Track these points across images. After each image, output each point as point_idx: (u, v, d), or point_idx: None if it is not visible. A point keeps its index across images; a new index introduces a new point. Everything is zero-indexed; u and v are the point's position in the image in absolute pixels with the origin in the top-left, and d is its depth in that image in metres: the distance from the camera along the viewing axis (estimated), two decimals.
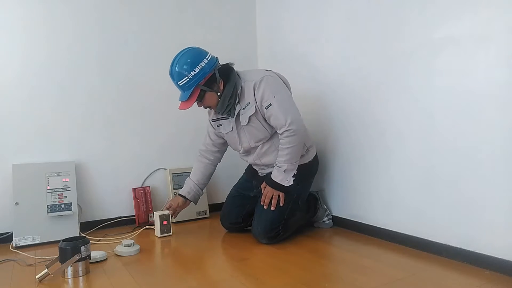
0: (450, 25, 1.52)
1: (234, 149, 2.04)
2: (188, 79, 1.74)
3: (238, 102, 1.83)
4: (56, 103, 2.11)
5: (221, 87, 1.81)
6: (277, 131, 1.80)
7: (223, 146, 2.08)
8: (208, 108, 1.90)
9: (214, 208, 2.45)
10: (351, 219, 2.02)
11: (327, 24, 2.11)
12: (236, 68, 1.89)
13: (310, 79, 2.24)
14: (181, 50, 1.80)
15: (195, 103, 1.82)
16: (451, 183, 1.54)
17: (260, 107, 1.79)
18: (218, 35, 2.53)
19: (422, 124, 1.64)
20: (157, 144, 2.39)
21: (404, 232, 1.74)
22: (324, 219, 2.09)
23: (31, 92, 2.05)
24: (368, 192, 1.91)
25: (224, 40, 2.56)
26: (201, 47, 1.84)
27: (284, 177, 1.79)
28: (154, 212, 2.01)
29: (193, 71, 1.73)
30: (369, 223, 1.92)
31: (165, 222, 1.97)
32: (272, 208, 1.81)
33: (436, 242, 1.61)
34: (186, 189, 2.05)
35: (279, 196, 1.81)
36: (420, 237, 1.67)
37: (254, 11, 2.72)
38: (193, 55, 1.77)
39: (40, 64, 2.07)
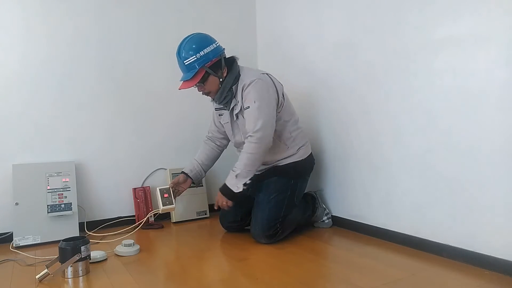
0: (450, 25, 1.52)
1: (230, 140, 2.08)
2: (195, 58, 1.78)
3: (234, 96, 1.88)
4: (56, 103, 2.11)
5: (224, 75, 1.85)
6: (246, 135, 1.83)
7: None
8: (207, 94, 1.90)
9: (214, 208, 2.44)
10: (351, 219, 2.02)
11: (327, 23, 2.11)
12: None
13: (309, 78, 2.24)
14: (190, 34, 1.85)
15: (196, 87, 1.85)
16: (451, 183, 1.54)
17: (243, 107, 1.83)
18: (218, 35, 2.50)
19: (422, 124, 1.64)
20: (157, 144, 2.39)
21: (404, 232, 1.74)
22: (323, 219, 2.09)
23: (31, 92, 2.05)
24: (368, 192, 1.91)
25: (224, 40, 2.53)
26: None
27: (235, 183, 1.80)
28: (156, 188, 1.99)
29: (201, 52, 1.78)
30: (368, 223, 1.92)
31: (166, 195, 1.95)
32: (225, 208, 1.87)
33: (436, 242, 1.61)
34: (189, 167, 2.07)
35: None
36: (420, 237, 1.67)
37: (254, 11, 2.72)
38: (202, 38, 1.83)
39: (40, 64, 2.07)
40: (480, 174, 1.45)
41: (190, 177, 2.05)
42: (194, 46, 1.79)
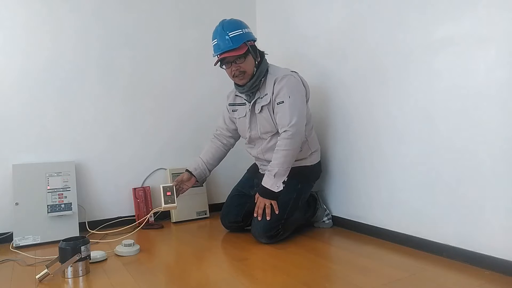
0: (450, 25, 1.52)
1: (242, 136, 2.08)
2: (241, 32, 1.81)
3: (258, 89, 1.89)
4: (56, 103, 2.11)
5: (259, 60, 1.88)
6: (278, 130, 1.82)
7: (237, 132, 2.11)
8: (240, 75, 1.85)
9: (214, 208, 2.45)
10: (351, 219, 2.02)
11: (327, 24, 2.11)
12: None
13: (309, 78, 2.23)
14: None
15: (231, 65, 1.83)
16: (451, 183, 1.54)
17: (273, 100, 1.83)
18: None
19: (422, 124, 1.64)
20: (157, 144, 2.39)
21: (404, 232, 1.74)
22: (324, 219, 2.09)
23: (31, 92, 2.05)
24: (368, 192, 1.91)
25: None
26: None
27: (274, 183, 1.80)
28: (160, 185, 2.00)
29: (246, 29, 1.84)
30: (369, 223, 1.92)
31: (168, 193, 1.95)
32: (268, 218, 1.80)
33: (436, 242, 1.61)
34: (194, 166, 2.07)
35: (272, 205, 1.82)
36: (420, 237, 1.67)
37: (254, 10, 2.73)
38: (241, 21, 1.87)
39: (41, 64, 2.07)
40: (480, 174, 1.45)
41: (194, 176, 2.05)
42: (238, 23, 1.83)
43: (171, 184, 1.99)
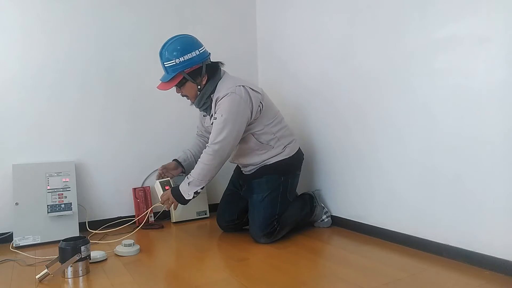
0: (450, 25, 1.52)
1: None
2: (174, 63, 1.78)
3: (210, 107, 1.89)
4: (56, 103, 2.11)
5: (203, 82, 1.85)
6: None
7: None
8: (185, 97, 1.92)
9: (214, 208, 2.43)
10: (351, 219, 2.02)
11: (327, 23, 2.11)
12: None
13: (309, 78, 2.24)
14: (178, 34, 1.84)
15: (175, 88, 1.87)
16: (451, 182, 1.54)
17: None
18: (218, 35, 2.52)
19: (422, 123, 1.64)
20: (157, 144, 2.39)
21: (404, 232, 1.74)
22: (323, 217, 2.09)
23: (31, 92, 2.05)
24: (368, 191, 1.91)
25: (224, 40, 2.55)
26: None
27: (187, 190, 1.83)
28: (155, 181, 2.02)
29: (182, 58, 1.78)
30: (368, 223, 1.92)
31: (166, 187, 1.97)
32: (174, 209, 1.93)
33: (436, 242, 1.61)
34: (183, 157, 2.11)
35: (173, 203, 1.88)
36: (420, 237, 1.67)
37: (254, 11, 2.72)
38: (187, 43, 1.82)
39: (39, 64, 2.07)
40: (480, 174, 1.45)
41: (183, 167, 2.09)
42: (178, 48, 1.78)
43: (167, 178, 2.02)
